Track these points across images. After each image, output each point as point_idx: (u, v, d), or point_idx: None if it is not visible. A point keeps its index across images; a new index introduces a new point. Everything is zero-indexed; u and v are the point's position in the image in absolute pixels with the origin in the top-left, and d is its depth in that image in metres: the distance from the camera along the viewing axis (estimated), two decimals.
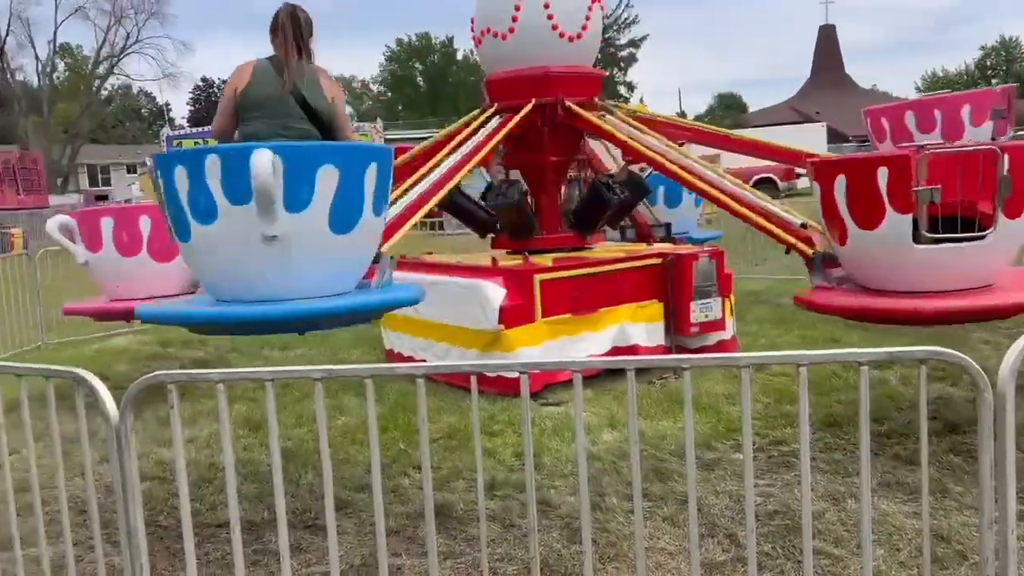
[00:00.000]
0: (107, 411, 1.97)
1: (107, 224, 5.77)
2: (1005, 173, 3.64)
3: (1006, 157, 3.65)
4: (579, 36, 6.10)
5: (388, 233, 4.45)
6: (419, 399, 2.09)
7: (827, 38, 67.66)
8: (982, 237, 3.76)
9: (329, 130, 3.94)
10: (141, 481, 4.12)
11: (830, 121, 37.98)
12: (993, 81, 65.04)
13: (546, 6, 5.93)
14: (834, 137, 35.28)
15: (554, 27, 5.97)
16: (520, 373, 2.01)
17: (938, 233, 3.81)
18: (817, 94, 59.52)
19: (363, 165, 3.36)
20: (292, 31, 3.86)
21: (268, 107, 3.79)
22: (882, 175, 3.79)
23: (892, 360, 1.78)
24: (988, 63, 66.98)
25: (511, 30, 6.05)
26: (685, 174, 5.56)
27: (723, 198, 5.35)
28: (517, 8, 5.98)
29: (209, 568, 3.24)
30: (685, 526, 3.20)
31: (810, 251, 4.80)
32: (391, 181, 3.70)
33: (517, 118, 5.87)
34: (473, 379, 2.05)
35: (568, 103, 6.00)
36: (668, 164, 5.62)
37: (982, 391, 1.76)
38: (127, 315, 5.73)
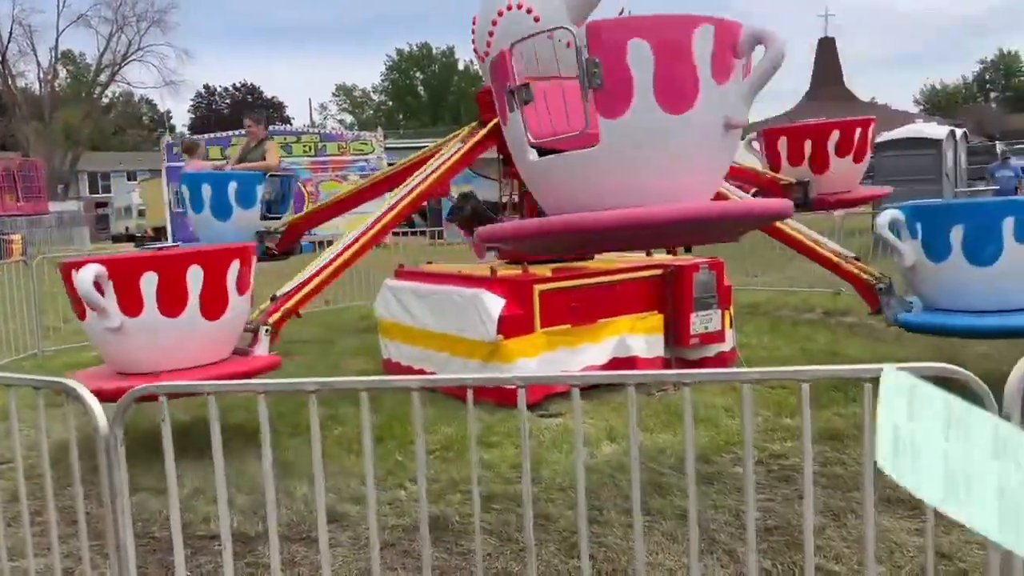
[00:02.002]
0: (97, 422, 1.94)
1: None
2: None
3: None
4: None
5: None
6: (415, 413, 2.05)
7: (826, 51, 67.73)
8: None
9: None
10: (136, 492, 4.11)
11: None
12: (992, 95, 65.23)
13: (529, 11, 5.98)
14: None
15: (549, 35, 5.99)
16: (518, 386, 1.97)
17: None
18: (816, 107, 59.41)
19: None
20: None
21: None
22: None
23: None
24: (987, 77, 67.13)
25: (488, 44, 6.13)
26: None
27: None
28: (493, 23, 6.05)
29: None
30: (684, 541, 3.16)
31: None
32: None
33: (480, 135, 6.01)
34: (469, 393, 2.02)
35: None
36: None
37: (987, 408, 1.72)
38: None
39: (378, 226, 5.83)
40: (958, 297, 5.15)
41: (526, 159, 3.60)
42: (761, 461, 4.09)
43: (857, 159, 8.09)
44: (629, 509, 3.22)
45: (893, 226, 5.24)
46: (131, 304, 4.32)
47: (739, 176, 8.01)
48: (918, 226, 5.20)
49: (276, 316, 5.17)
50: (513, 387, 5.32)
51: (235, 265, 4.64)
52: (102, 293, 4.25)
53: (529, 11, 5.94)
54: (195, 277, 4.42)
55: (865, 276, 6.06)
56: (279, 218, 7.73)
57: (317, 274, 5.43)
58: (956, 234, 4.96)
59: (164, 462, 2.15)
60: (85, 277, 4.16)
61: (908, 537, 3.18)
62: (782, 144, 8.23)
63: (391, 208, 5.93)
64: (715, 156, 3.07)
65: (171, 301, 4.36)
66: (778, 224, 6.17)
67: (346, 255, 5.66)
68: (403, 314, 6.14)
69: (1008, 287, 4.88)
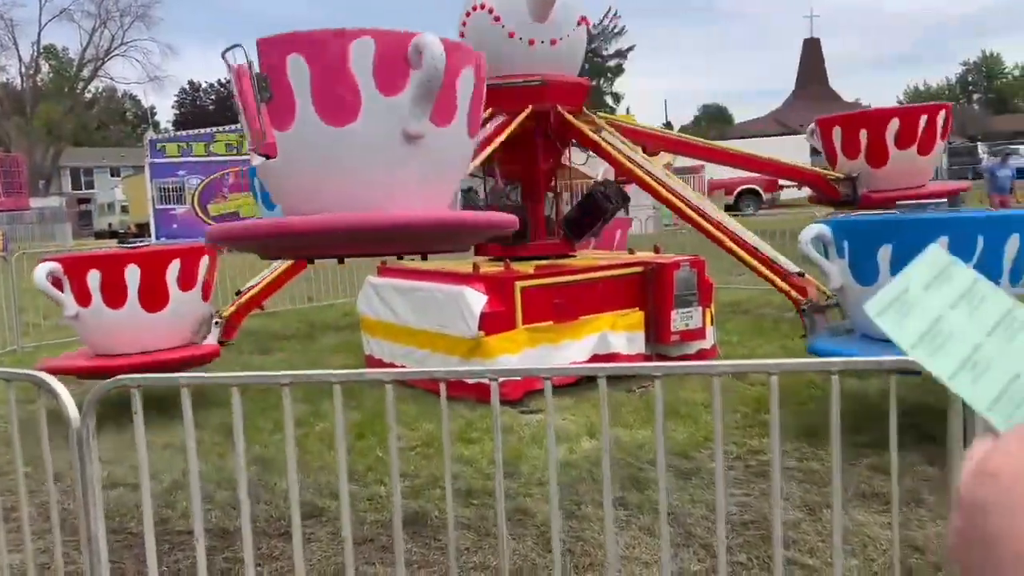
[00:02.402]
0: (68, 414, 1.93)
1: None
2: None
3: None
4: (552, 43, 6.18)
5: None
6: (387, 405, 2.06)
7: (811, 52, 68.19)
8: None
9: None
10: (116, 487, 4.09)
11: None
12: (975, 96, 65.80)
13: (491, 11, 6.09)
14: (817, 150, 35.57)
15: (510, 34, 6.12)
16: (491, 380, 1.98)
17: None
18: (801, 107, 59.87)
19: None
20: None
21: None
22: None
23: (864, 370, 1.77)
24: (970, 79, 67.70)
25: (461, 35, 6.24)
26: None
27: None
28: (463, 23, 6.19)
29: None
30: (661, 535, 3.19)
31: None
32: None
33: (515, 123, 5.97)
34: (442, 386, 2.02)
35: (561, 111, 6.12)
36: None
37: (952, 402, 1.75)
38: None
39: None
40: (864, 327, 4.57)
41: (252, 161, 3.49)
42: (739, 457, 4.13)
43: (923, 151, 6.93)
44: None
45: (818, 243, 4.72)
46: (82, 297, 5.38)
47: (779, 172, 7.84)
48: (845, 244, 4.61)
49: (231, 309, 5.28)
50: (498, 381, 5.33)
51: (175, 264, 5.48)
52: (60, 288, 5.36)
53: (491, 11, 6.03)
54: (133, 275, 5.35)
55: (794, 295, 5.53)
56: None
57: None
58: (884, 254, 4.30)
59: (140, 455, 2.15)
60: (40, 274, 5.28)
61: (881, 531, 3.21)
62: (836, 135, 7.23)
63: None
64: (401, 166, 2.90)
65: (113, 295, 5.35)
66: (716, 231, 5.92)
67: None
68: (385, 311, 6.14)
69: None
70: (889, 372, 1.87)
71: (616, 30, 55.23)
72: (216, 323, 5.29)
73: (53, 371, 3.61)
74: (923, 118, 6.86)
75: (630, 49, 56.22)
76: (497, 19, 6.18)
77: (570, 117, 6.10)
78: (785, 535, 3.16)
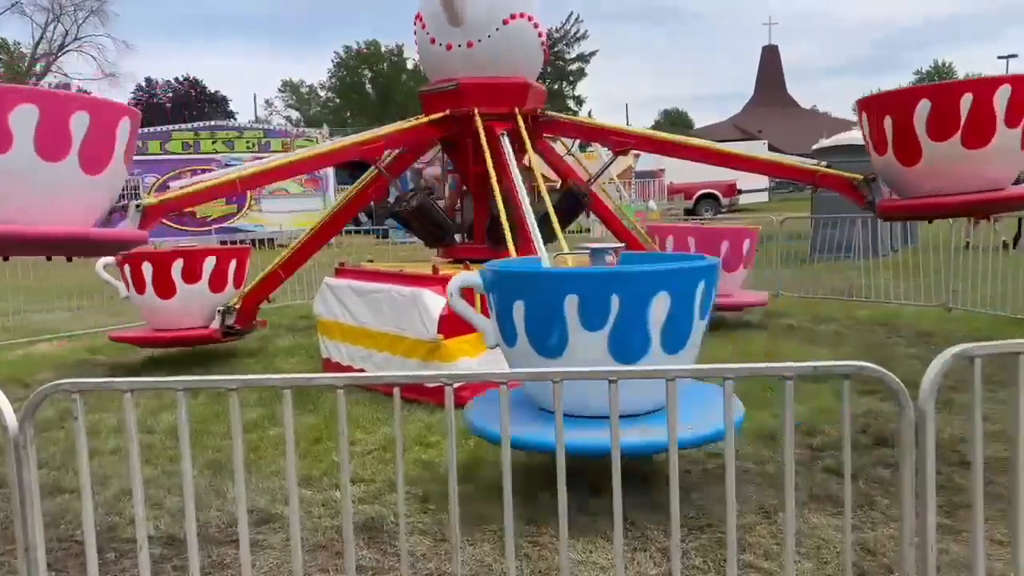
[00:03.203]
0: (4, 420, 1.86)
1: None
2: None
3: None
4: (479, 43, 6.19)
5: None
6: (340, 410, 2.02)
7: (770, 58, 69.36)
8: None
9: None
10: (62, 493, 3.97)
11: (772, 140, 38.85)
12: None
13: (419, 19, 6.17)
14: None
15: (432, 40, 6.29)
16: (445, 384, 1.95)
17: None
18: (760, 113, 60.90)
19: None
20: None
21: None
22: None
23: (817, 374, 1.78)
24: None
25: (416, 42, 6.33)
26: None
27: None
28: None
29: None
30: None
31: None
32: None
33: (402, 126, 6.08)
34: (396, 392, 1.99)
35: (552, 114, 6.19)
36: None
37: (903, 406, 1.77)
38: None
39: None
40: (538, 397, 3.84)
41: None
42: (696, 460, 4.15)
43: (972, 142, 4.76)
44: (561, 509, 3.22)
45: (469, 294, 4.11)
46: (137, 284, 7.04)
47: (784, 174, 7.28)
48: (492, 297, 3.80)
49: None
50: (456, 387, 5.29)
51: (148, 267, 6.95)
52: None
53: (421, 19, 6.32)
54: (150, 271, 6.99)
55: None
56: None
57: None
58: (519, 312, 3.57)
59: (81, 461, 2.08)
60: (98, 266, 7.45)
61: (834, 533, 3.25)
62: (866, 121, 5.33)
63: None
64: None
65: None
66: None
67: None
68: (343, 313, 6.07)
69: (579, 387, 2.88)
70: (845, 376, 1.88)
71: (578, 34, 55.52)
72: (137, 207, 5.30)
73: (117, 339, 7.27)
74: (966, 98, 4.73)
75: (592, 54, 56.56)
76: (424, 26, 6.26)
77: (479, 120, 6.09)
78: (740, 538, 3.18)
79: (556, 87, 53.17)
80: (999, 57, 57.03)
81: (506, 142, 6.08)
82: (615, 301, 3.33)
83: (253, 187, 6.77)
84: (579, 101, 57.40)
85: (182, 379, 1.92)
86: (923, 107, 4.84)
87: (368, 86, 60.93)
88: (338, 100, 62.45)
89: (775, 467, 4.05)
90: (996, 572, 2.83)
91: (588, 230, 17.32)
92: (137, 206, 5.16)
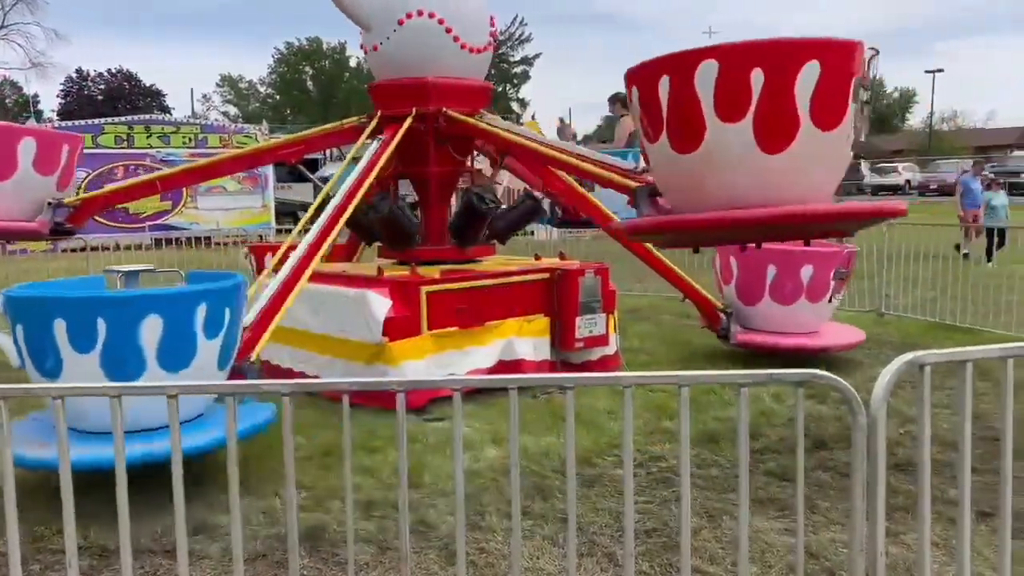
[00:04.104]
0: None
1: None
2: None
3: None
4: (481, 50, 6.10)
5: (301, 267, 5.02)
6: (285, 419, 1.95)
7: None
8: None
9: None
10: None
11: None
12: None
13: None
14: None
15: (361, 46, 6.19)
16: (397, 391, 1.90)
17: None
18: None
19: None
20: None
21: None
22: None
23: (771, 382, 1.78)
24: None
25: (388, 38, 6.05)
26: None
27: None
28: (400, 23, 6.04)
29: None
30: (565, 545, 3.16)
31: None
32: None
33: (403, 130, 5.79)
34: (345, 399, 1.93)
35: (450, 113, 5.94)
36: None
37: (856, 414, 1.78)
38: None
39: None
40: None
41: None
42: (641, 464, 4.16)
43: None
44: (511, 513, 3.19)
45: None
46: None
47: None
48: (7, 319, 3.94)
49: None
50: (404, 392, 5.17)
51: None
52: None
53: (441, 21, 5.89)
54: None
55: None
56: None
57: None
58: (20, 335, 3.80)
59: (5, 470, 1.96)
60: None
61: (778, 537, 3.29)
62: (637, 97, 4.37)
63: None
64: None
65: None
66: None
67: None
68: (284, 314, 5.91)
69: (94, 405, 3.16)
70: (798, 384, 1.89)
71: (523, 37, 55.69)
72: (49, 204, 5.23)
73: None
74: None
75: (536, 56, 56.78)
76: (362, 33, 6.17)
77: (369, 122, 6.03)
78: None
79: (500, 89, 53.21)
80: (926, 71, 59.27)
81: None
82: (102, 325, 3.58)
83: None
84: (523, 103, 57.54)
85: (116, 385, 1.83)
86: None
87: (309, 83, 60.04)
88: (278, 96, 61.37)
89: (719, 470, 4.09)
90: (934, 573, 2.89)
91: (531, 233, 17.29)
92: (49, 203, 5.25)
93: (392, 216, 5.83)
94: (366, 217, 5.81)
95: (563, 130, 9.84)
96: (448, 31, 5.90)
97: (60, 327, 3.59)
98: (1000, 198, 13.95)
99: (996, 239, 12.38)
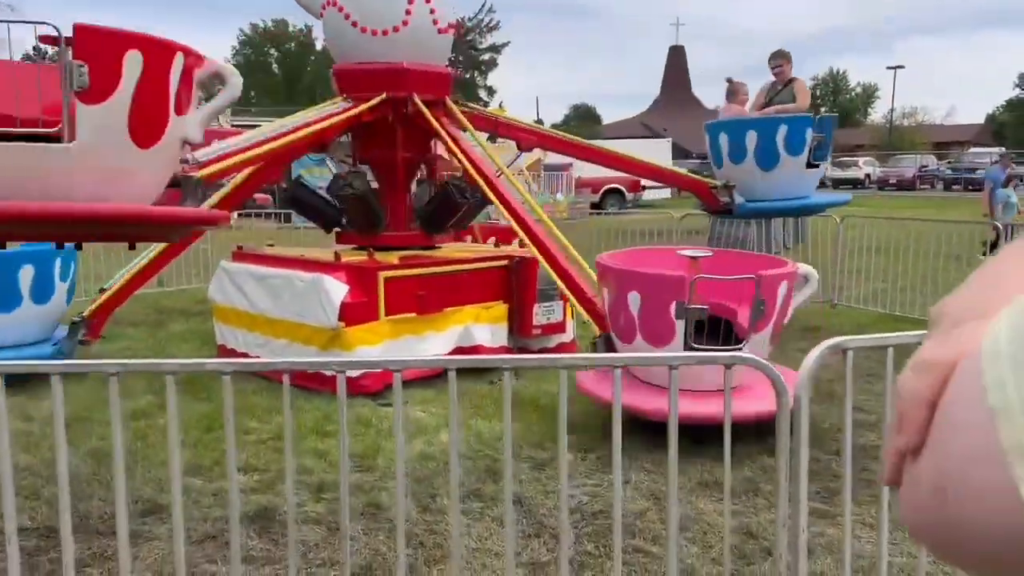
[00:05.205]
0: None
1: None
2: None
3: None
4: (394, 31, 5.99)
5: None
6: (226, 397, 1.97)
7: (676, 59, 71.13)
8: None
9: None
10: None
11: (676, 138, 39.85)
12: (822, 109, 70.42)
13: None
14: (678, 153, 37.08)
15: (354, 23, 5.92)
16: (336, 372, 1.93)
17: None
18: (665, 111, 62.36)
19: None
20: None
21: None
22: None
23: (701, 363, 1.85)
24: (817, 92, 72.35)
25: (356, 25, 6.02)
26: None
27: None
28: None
29: None
30: (513, 526, 3.22)
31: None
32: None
33: (364, 106, 5.74)
34: (286, 378, 1.96)
35: (418, 100, 5.90)
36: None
37: (780, 395, 1.85)
38: None
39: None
40: None
41: None
42: (592, 448, 4.23)
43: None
44: (461, 496, 3.24)
45: None
46: None
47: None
48: None
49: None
50: (354, 376, 5.20)
51: None
52: None
53: None
54: None
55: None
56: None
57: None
58: None
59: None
60: None
61: (719, 518, 3.37)
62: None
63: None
64: None
65: None
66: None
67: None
68: (240, 298, 5.90)
69: None
70: (727, 366, 1.96)
71: (490, 24, 55.50)
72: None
73: None
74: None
75: (504, 45, 56.64)
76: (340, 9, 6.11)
77: (322, 105, 6.02)
78: (631, 524, 3.27)
79: (468, 76, 53.02)
80: (888, 67, 60.19)
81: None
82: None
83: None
84: (491, 91, 57.42)
85: (58, 363, 1.84)
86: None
87: (275, 66, 59.22)
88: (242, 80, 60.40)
89: (663, 453, 4.17)
90: (866, 553, 3.00)
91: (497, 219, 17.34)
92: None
93: (367, 197, 5.82)
94: (341, 192, 5.78)
95: (737, 90, 8.75)
96: (347, 17, 5.84)
97: None
98: (1015, 195, 13.77)
99: (1006, 235, 12.43)
